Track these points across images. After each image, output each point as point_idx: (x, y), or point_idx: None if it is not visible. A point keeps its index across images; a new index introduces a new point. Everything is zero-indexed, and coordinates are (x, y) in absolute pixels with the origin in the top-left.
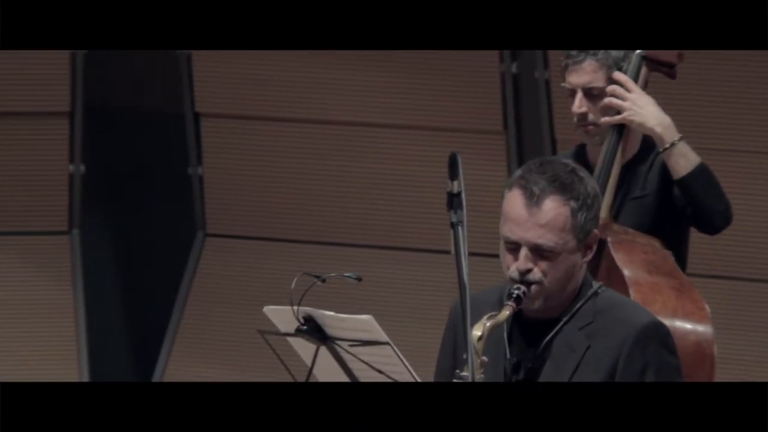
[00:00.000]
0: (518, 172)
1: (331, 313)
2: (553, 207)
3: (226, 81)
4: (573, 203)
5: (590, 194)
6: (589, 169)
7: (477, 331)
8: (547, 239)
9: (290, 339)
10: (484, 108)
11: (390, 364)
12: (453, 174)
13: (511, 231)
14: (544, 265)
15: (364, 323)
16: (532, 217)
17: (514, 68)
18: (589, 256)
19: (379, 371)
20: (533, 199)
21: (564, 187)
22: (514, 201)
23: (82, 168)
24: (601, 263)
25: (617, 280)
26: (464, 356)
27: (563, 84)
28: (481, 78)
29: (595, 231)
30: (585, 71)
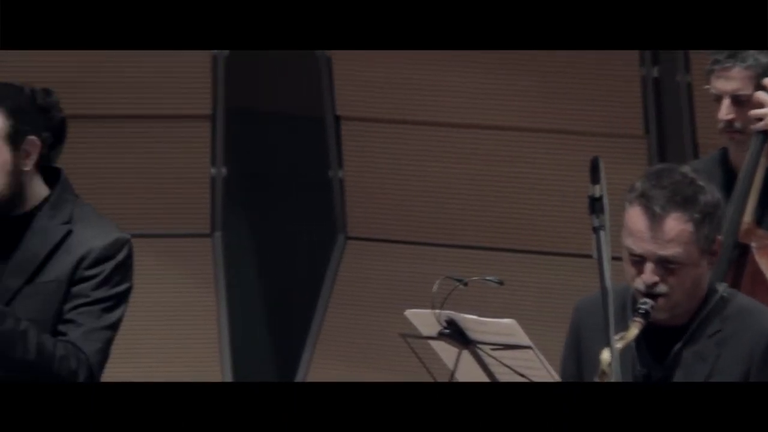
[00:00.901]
0: (638, 187)
1: (473, 317)
2: (675, 225)
3: (366, 84)
4: (696, 215)
5: (711, 203)
6: (732, 173)
7: (608, 355)
8: (672, 253)
9: (432, 342)
10: (625, 112)
11: (532, 368)
12: (595, 178)
13: (634, 244)
14: (670, 278)
15: (506, 327)
16: (656, 235)
17: (655, 72)
18: (715, 261)
19: (522, 375)
20: (655, 219)
21: (686, 202)
22: (636, 219)
23: (224, 171)
24: (745, 269)
25: (762, 286)
26: (595, 378)
27: (707, 87)
28: (621, 82)
29: (719, 237)
30: (733, 78)
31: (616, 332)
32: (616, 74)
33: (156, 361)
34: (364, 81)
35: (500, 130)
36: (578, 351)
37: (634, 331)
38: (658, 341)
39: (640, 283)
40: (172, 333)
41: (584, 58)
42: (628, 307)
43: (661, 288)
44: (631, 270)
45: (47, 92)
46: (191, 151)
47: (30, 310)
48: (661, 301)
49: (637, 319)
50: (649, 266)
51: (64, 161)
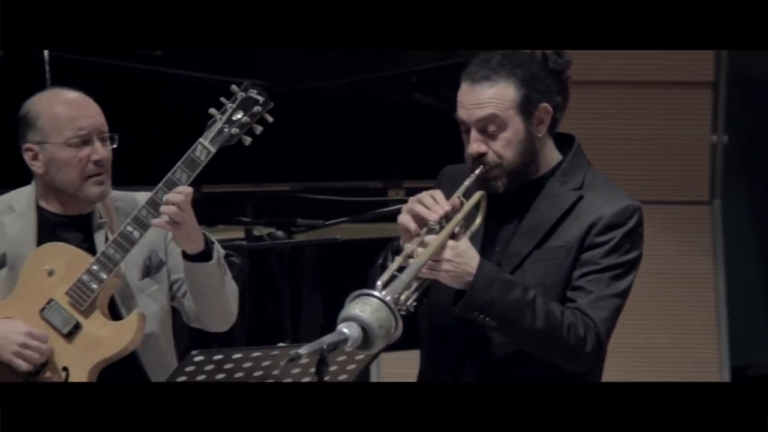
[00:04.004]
0: None
1: None
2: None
3: None
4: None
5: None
6: None
7: None
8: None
9: None
10: None
11: None
12: None
13: None
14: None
15: None
16: None
17: None
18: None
19: None
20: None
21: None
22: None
23: (725, 138)
24: None
25: None
26: None
27: None
28: None
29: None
30: None
31: None
32: None
33: (652, 327)
34: None
35: None
36: None
37: None
38: None
39: None
40: (669, 300)
41: None
42: None
43: None
44: None
45: (559, 54)
46: (692, 118)
47: (538, 274)
48: None
49: None
50: None
51: (571, 127)
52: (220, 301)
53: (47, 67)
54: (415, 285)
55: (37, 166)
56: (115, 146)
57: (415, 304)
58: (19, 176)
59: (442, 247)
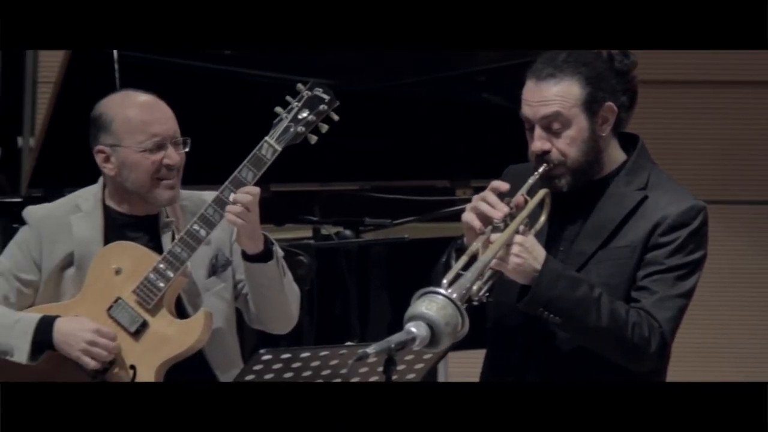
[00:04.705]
0: None
1: None
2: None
3: None
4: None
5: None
6: None
7: None
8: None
9: None
10: None
11: None
12: None
13: None
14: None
15: None
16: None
17: None
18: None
19: None
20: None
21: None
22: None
23: None
24: None
25: None
26: None
27: None
28: None
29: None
30: None
31: None
32: None
33: (719, 327)
34: None
35: None
36: None
37: None
38: None
39: None
40: (737, 300)
41: None
42: None
43: None
44: None
45: (625, 54)
46: (763, 118)
47: (603, 274)
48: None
49: None
50: None
51: (639, 127)
52: (280, 303)
53: (116, 66)
54: (487, 274)
55: (108, 168)
56: (187, 149)
57: (488, 294)
58: (88, 176)
59: (507, 244)
